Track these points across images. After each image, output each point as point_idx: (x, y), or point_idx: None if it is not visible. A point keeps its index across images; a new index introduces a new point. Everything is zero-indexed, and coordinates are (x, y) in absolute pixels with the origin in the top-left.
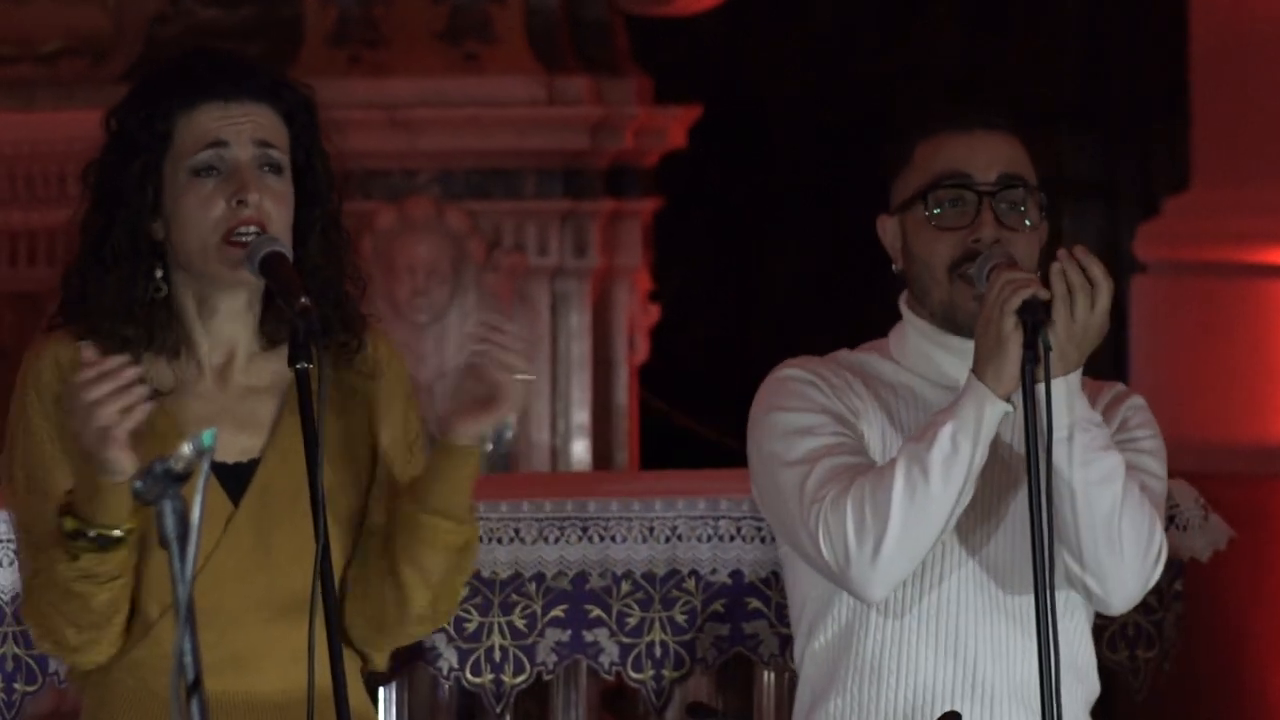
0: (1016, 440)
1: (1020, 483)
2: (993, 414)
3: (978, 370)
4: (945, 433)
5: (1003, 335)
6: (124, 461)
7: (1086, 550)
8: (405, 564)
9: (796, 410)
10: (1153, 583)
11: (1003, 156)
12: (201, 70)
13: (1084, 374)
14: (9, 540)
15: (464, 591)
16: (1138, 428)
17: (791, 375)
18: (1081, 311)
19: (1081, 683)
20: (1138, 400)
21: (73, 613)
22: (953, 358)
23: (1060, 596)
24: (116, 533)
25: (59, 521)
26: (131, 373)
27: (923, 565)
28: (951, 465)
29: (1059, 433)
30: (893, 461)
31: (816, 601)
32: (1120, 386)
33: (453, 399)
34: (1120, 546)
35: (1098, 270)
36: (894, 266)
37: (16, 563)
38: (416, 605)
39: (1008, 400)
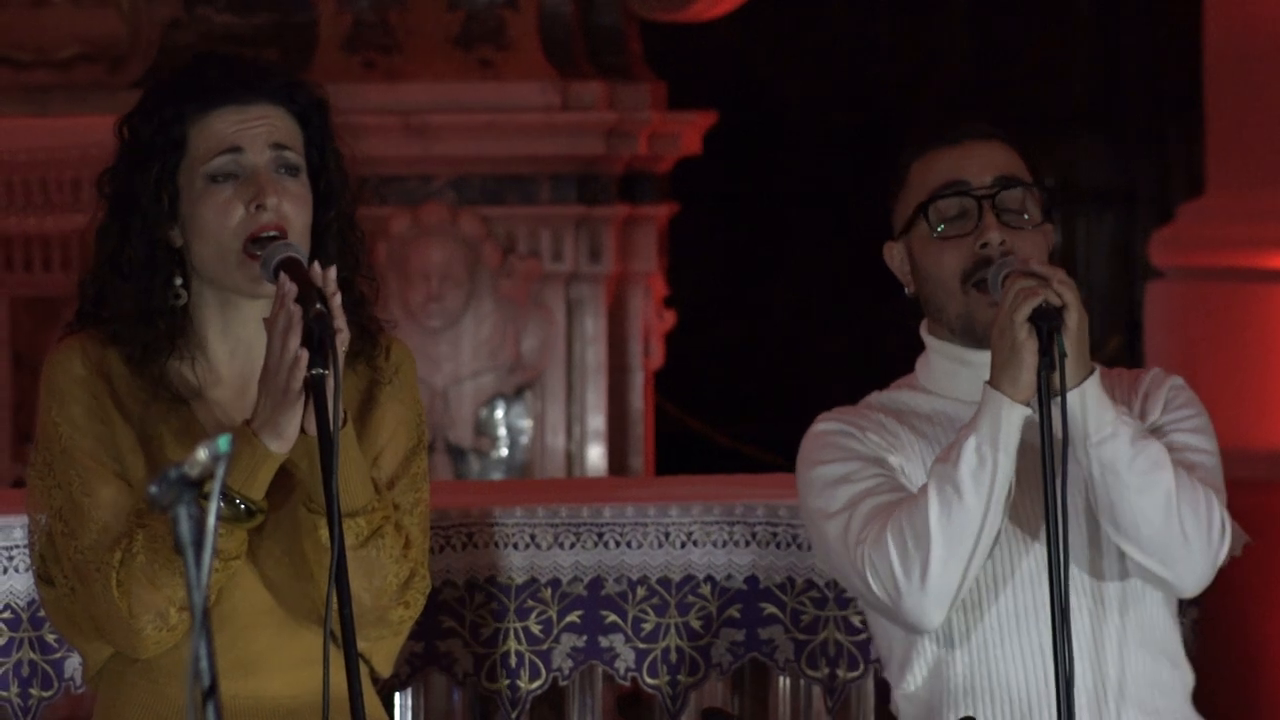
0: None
1: (1070, 480)
2: (1012, 419)
3: (993, 379)
4: (969, 446)
5: (1017, 343)
6: (295, 431)
7: (1151, 539)
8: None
9: (832, 462)
10: (1222, 558)
11: (997, 161)
12: (214, 75)
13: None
14: (23, 546)
15: (405, 578)
16: (1182, 407)
17: (824, 430)
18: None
19: (1177, 668)
20: (1177, 380)
21: (170, 581)
22: (973, 374)
23: (1136, 584)
24: (257, 501)
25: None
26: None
27: (985, 580)
28: (980, 477)
29: (1104, 430)
30: (924, 487)
31: (903, 643)
32: (1157, 370)
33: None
34: (1183, 529)
35: (1049, 271)
36: (907, 291)
37: (33, 570)
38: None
39: (1026, 404)
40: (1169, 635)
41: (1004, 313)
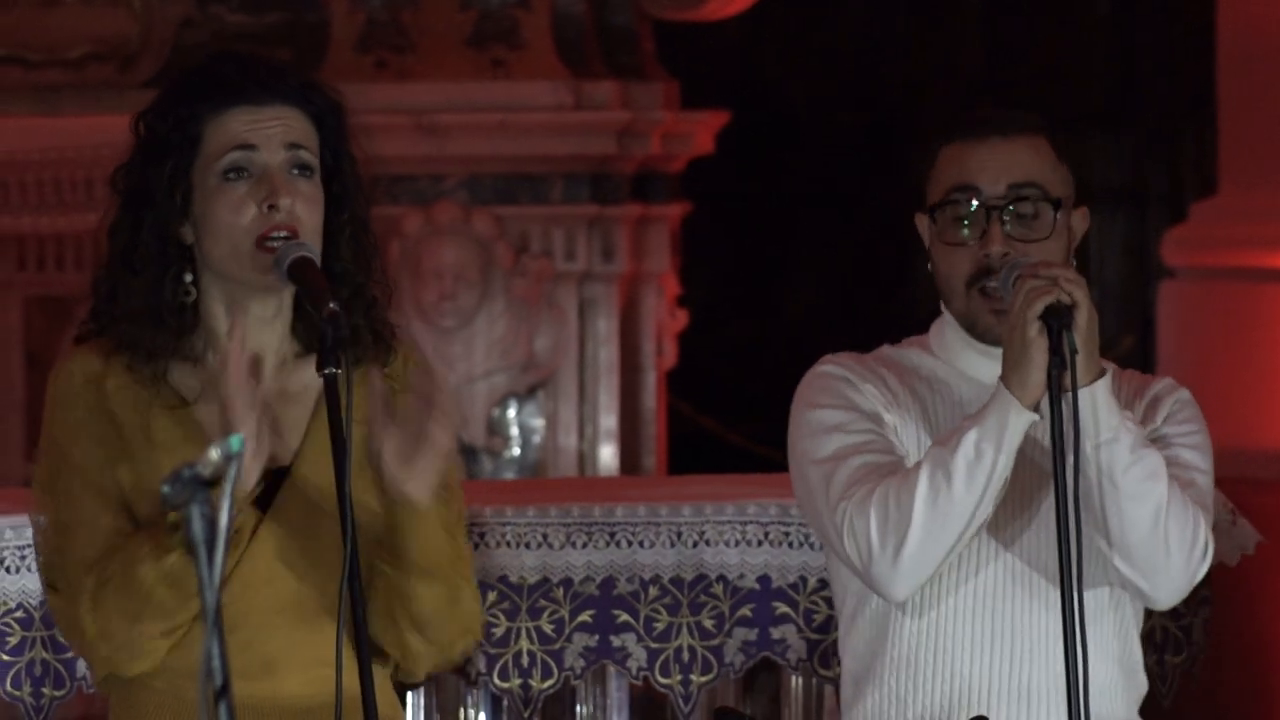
0: (1047, 438)
1: (1049, 482)
2: (1018, 423)
3: (1004, 378)
4: (970, 439)
5: (1027, 342)
6: (253, 472)
7: (1134, 548)
8: (397, 621)
9: (828, 407)
10: (1199, 578)
11: (1015, 166)
12: (231, 73)
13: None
14: (33, 546)
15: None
16: (1183, 422)
17: (827, 371)
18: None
19: (1130, 679)
20: (1184, 394)
21: (141, 615)
22: (982, 359)
23: (1105, 593)
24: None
25: (158, 517)
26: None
27: (959, 560)
28: (975, 471)
29: (1105, 434)
30: (918, 464)
31: (855, 596)
32: (1168, 380)
33: (390, 458)
34: (1167, 543)
35: (1058, 270)
36: (929, 265)
37: (40, 575)
38: (414, 652)
39: (1035, 408)
40: (1130, 646)
41: (1015, 311)
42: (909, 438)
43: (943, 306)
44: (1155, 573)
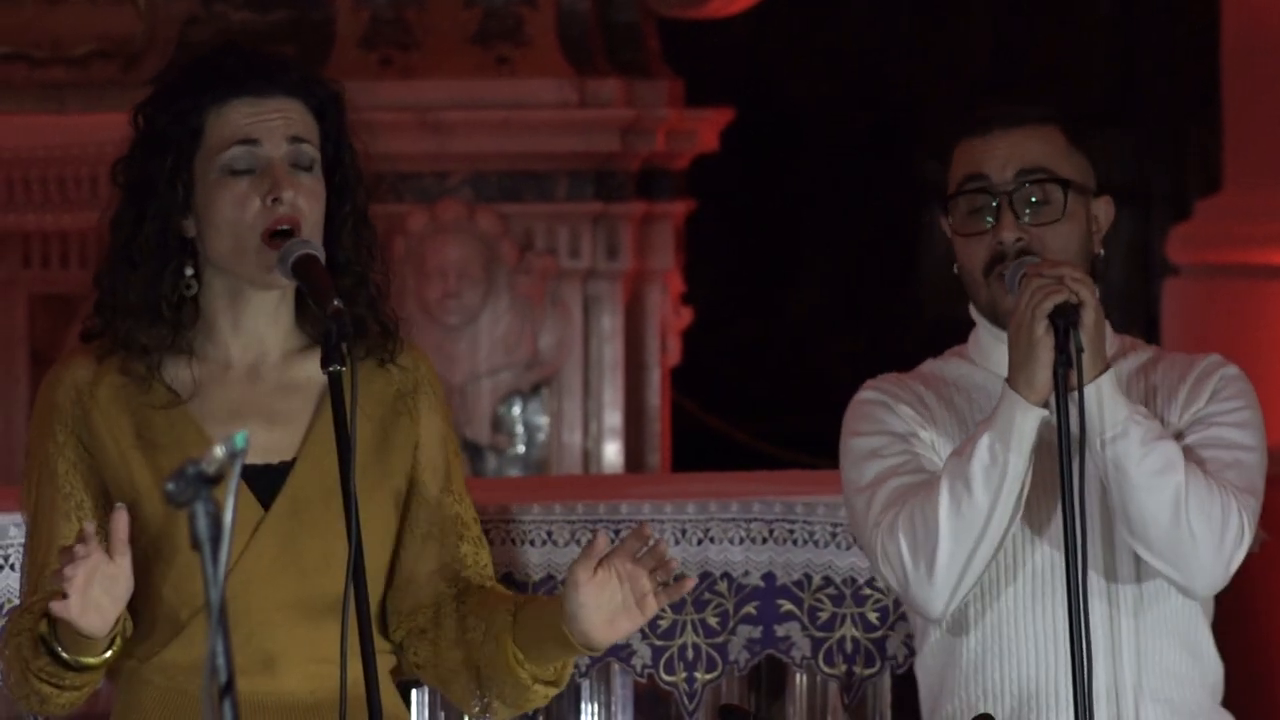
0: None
1: (1088, 479)
2: (1027, 421)
3: (1011, 378)
4: (983, 444)
5: (1033, 341)
6: (98, 625)
7: (1156, 540)
8: (488, 689)
9: (864, 434)
10: (1237, 562)
11: (1023, 154)
12: (232, 66)
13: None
14: None
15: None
16: (1229, 399)
17: (865, 398)
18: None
19: (1199, 661)
20: (1230, 370)
21: (28, 689)
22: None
23: (1151, 583)
24: (89, 660)
25: (35, 621)
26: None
27: (1001, 565)
28: (992, 475)
29: (1114, 429)
30: (938, 478)
31: None
32: (1215, 357)
33: (593, 604)
34: (1191, 533)
35: (1063, 269)
36: (954, 267)
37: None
38: (494, 710)
39: (1044, 405)
40: (1193, 628)
41: (1021, 310)
42: (946, 451)
43: (971, 308)
44: (1184, 562)
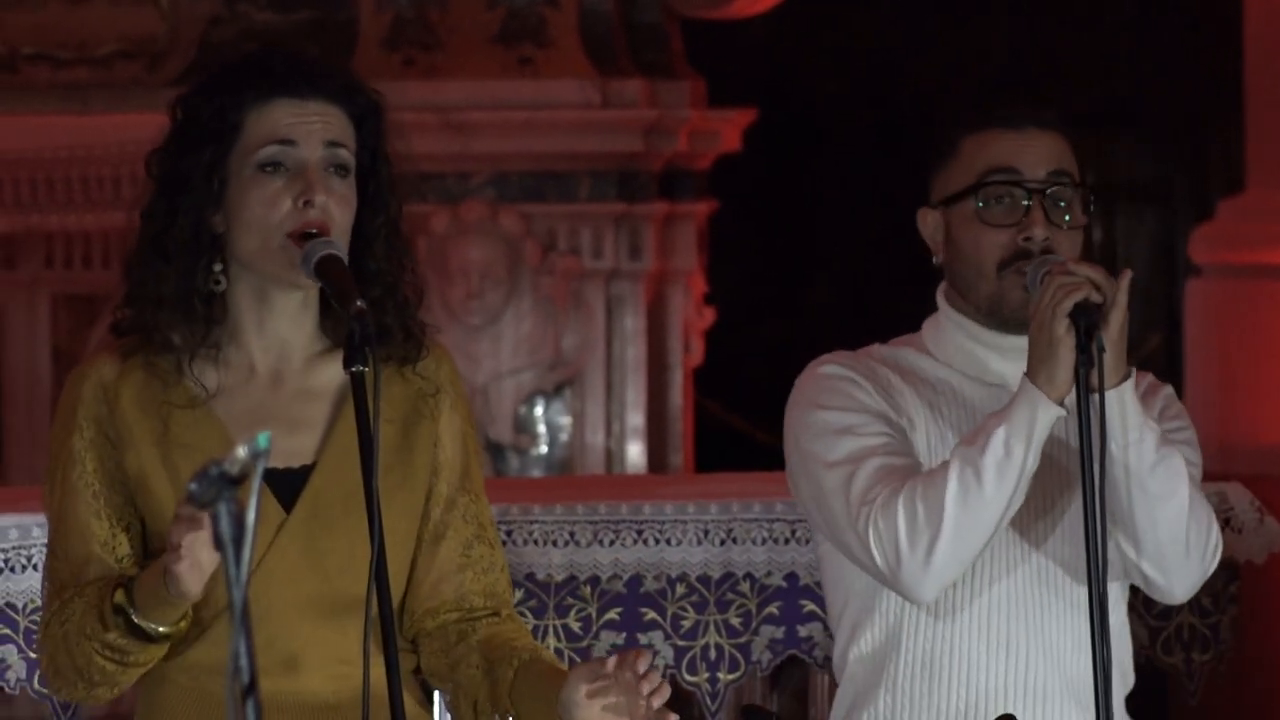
0: (1071, 438)
1: (1073, 482)
2: (1046, 418)
3: (1031, 374)
4: (998, 436)
5: (1055, 338)
6: (195, 588)
7: (1158, 546)
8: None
9: (836, 409)
10: (1210, 573)
11: (1053, 154)
12: (277, 65)
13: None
14: None
15: None
16: (1174, 418)
17: (831, 372)
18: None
19: (1124, 677)
20: (1169, 390)
21: (86, 670)
22: (993, 354)
23: (1115, 588)
24: (163, 629)
25: (110, 592)
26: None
27: (983, 562)
28: (1005, 469)
29: (1132, 434)
30: (945, 464)
31: (860, 598)
32: (1150, 376)
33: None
34: (1187, 541)
35: (1091, 271)
36: (935, 259)
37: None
38: None
39: (1061, 404)
40: (1123, 642)
41: (1044, 306)
42: (920, 441)
43: (943, 302)
44: (1174, 570)
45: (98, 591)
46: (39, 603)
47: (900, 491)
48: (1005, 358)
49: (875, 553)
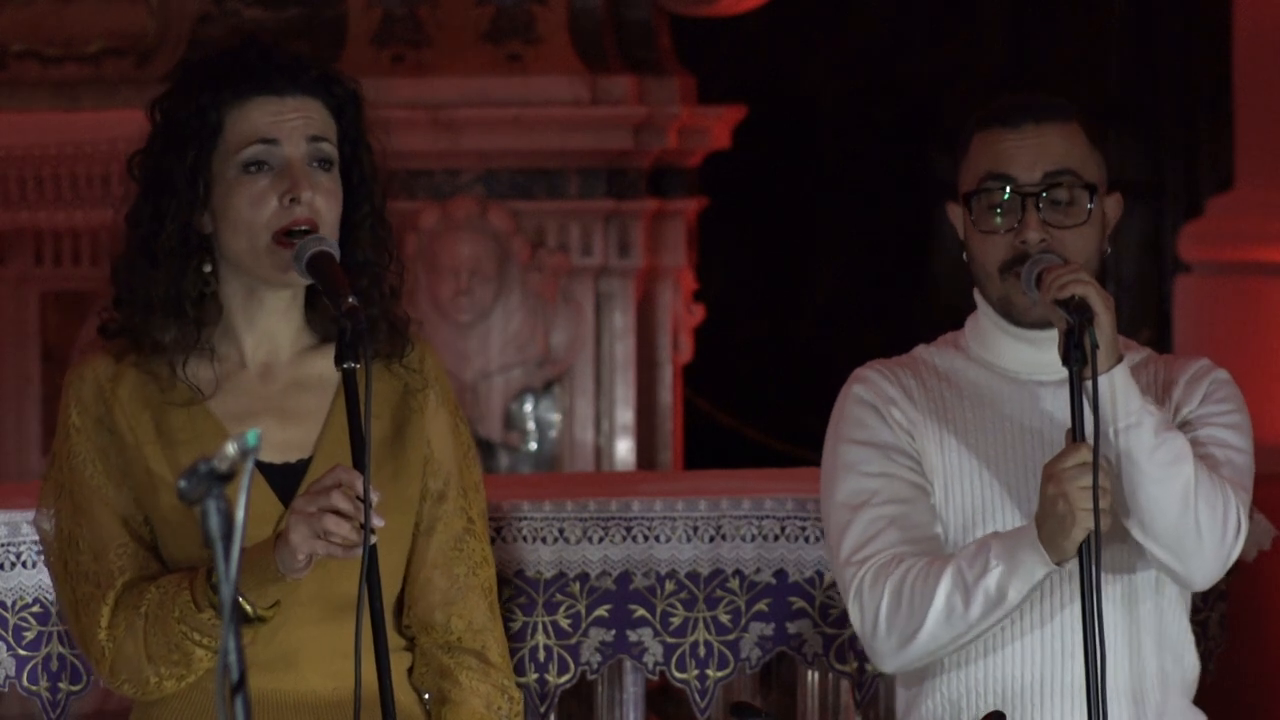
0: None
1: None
2: (1040, 572)
3: (1042, 537)
4: (994, 576)
5: (1071, 508)
6: (305, 569)
7: (1164, 532)
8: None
9: (850, 442)
10: (1234, 557)
11: (1050, 153)
12: (253, 62)
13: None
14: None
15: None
16: (1220, 401)
17: (859, 395)
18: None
19: (1178, 663)
20: (1222, 374)
21: (168, 655)
22: (1018, 344)
23: (1151, 576)
24: (267, 612)
25: (203, 574)
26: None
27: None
28: (993, 607)
29: (1128, 419)
30: (941, 573)
31: None
32: (1204, 361)
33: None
34: (1198, 525)
35: (1073, 274)
36: (964, 254)
37: (52, 574)
38: None
39: (1060, 564)
40: (1175, 629)
41: (1055, 478)
42: (933, 455)
43: (976, 295)
44: (1188, 555)
45: (179, 578)
46: (28, 600)
47: (891, 573)
48: (1028, 348)
49: (854, 613)
